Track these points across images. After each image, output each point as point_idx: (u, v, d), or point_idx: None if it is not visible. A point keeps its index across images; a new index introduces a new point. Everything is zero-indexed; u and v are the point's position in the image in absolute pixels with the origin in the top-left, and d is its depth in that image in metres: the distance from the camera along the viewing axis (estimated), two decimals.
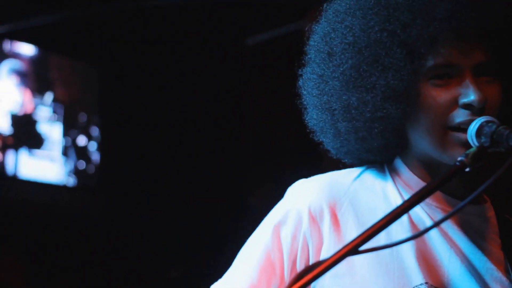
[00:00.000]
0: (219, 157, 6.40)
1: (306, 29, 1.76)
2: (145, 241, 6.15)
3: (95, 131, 6.43)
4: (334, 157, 1.78)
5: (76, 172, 6.33)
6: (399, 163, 1.71)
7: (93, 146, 6.41)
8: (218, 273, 1.73)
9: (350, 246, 1.33)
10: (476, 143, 1.50)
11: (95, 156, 6.41)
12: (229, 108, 6.45)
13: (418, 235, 1.44)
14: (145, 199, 6.25)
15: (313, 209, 1.64)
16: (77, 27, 6.16)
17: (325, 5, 1.73)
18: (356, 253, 1.32)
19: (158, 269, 6.20)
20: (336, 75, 1.64)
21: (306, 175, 1.74)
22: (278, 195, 1.75)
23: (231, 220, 5.88)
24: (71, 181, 6.30)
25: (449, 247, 1.63)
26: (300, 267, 1.63)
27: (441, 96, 1.57)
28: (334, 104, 1.65)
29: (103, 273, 6.06)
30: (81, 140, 6.37)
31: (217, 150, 6.41)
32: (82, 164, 6.36)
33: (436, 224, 1.40)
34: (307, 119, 1.75)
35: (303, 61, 1.75)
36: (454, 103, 1.56)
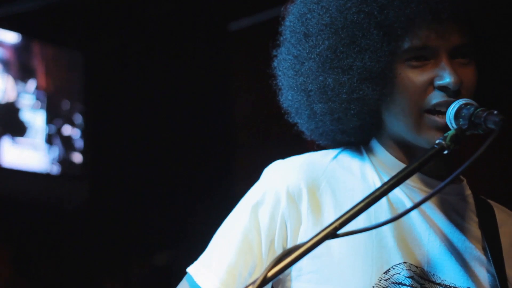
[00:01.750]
0: (205, 144, 6.39)
1: (282, 9, 1.75)
2: (129, 229, 6.15)
3: (78, 118, 6.40)
4: (309, 139, 1.77)
5: (60, 160, 6.30)
6: (375, 144, 1.72)
7: (76, 134, 6.39)
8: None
9: (329, 229, 1.33)
10: (455, 126, 1.51)
11: (79, 144, 6.38)
12: (214, 94, 6.44)
13: (397, 217, 1.43)
14: (129, 187, 6.24)
15: (291, 189, 1.64)
16: (61, 13, 6.12)
17: None
18: (334, 236, 1.32)
19: (143, 257, 6.20)
20: (312, 56, 1.63)
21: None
22: None
23: (217, 209, 5.87)
24: (54, 169, 6.28)
25: (428, 226, 1.64)
26: (278, 247, 1.63)
27: (417, 77, 1.57)
28: (310, 85, 1.65)
29: (87, 261, 6.06)
30: (65, 128, 6.34)
31: (203, 137, 6.40)
32: (65, 152, 6.34)
33: (416, 206, 1.41)
34: (282, 100, 1.75)
35: (278, 42, 1.74)
36: (430, 85, 1.57)
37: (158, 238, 6.25)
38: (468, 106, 1.49)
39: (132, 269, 6.18)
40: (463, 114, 1.49)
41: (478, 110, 1.47)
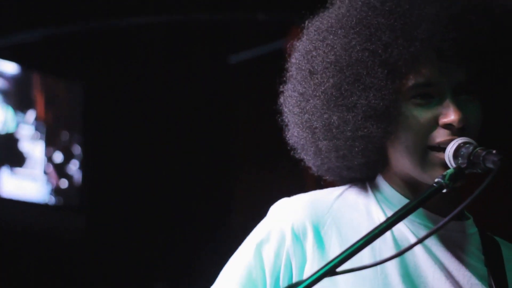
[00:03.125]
0: (204, 175, 6.40)
1: (288, 46, 1.76)
2: (127, 260, 6.13)
3: (77, 150, 6.40)
4: (316, 174, 1.78)
5: (58, 190, 6.29)
6: (380, 180, 1.72)
7: (75, 165, 6.38)
8: None
9: (328, 266, 1.34)
10: (454, 164, 1.52)
11: (77, 175, 6.38)
12: (214, 126, 6.45)
13: (400, 253, 1.44)
14: (128, 218, 6.22)
15: (296, 227, 1.64)
16: (60, 45, 6.15)
17: (306, 22, 1.74)
18: (334, 274, 1.33)
19: (142, 286, 6.17)
20: (317, 94, 1.64)
21: (290, 194, 1.74)
22: (262, 214, 1.75)
23: (214, 237, 5.88)
24: (53, 199, 6.27)
25: (433, 263, 1.63)
26: (283, 285, 1.62)
27: (422, 115, 1.58)
28: (315, 123, 1.65)
29: None
30: (64, 159, 6.33)
31: (202, 168, 6.40)
32: (64, 183, 6.33)
33: (419, 242, 1.42)
34: (288, 136, 1.76)
35: (284, 78, 1.75)
36: (434, 123, 1.57)
37: (156, 270, 6.23)
38: (467, 145, 1.50)
39: None
40: (462, 153, 1.50)
41: (477, 149, 1.48)
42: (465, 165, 1.49)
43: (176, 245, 6.19)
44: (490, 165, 1.45)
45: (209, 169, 6.40)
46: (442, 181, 1.46)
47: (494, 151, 1.46)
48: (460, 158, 1.50)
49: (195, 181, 6.37)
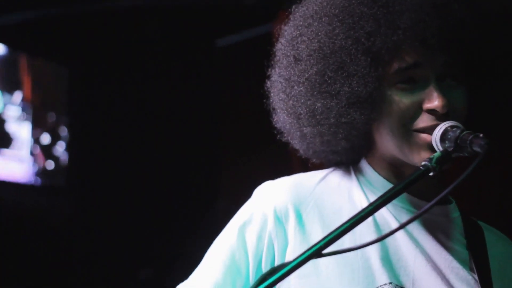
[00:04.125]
0: (190, 159, 6.39)
1: (276, 30, 1.76)
2: (113, 242, 6.13)
3: (63, 131, 6.39)
4: (303, 157, 1.79)
5: (44, 172, 6.28)
6: (364, 164, 1.73)
7: (61, 146, 6.37)
8: (188, 275, 1.73)
9: (314, 248, 1.34)
10: (440, 148, 1.52)
11: (64, 156, 6.37)
12: (200, 110, 6.44)
13: (382, 237, 1.44)
14: (113, 199, 6.22)
15: (279, 209, 1.65)
16: (48, 27, 6.12)
17: (293, 7, 1.74)
18: (320, 256, 1.33)
19: (127, 270, 6.17)
20: (302, 81, 1.65)
21: (276, 178, 1.75)
22: (248, 199, 1.76)
23: (200, 222, 5.88)
24: (39, 181, 6.25)
25: (414, 247, 1.65)
26: (265, 267, 1.64)
27: (406, 100, 1.58)
28: (300, 109, 1.66)
29: (70, 274, 6.03)
30: (50, 140, 6.32)
31: (188, 152, 6.39)
32: (50, 164, 6.32)
33: (402, 227, 1.41)
34: (275, 120, 1.77)
35: (272, 62, 1.75)
36: (418, 108, 1.58)
37: (143, 254, 6.23)
38: (454, 129, 1.51)
39: (115, 283, 6.15)
40: (449, 136, 1.50)
41: (464, 133, 1.49)
42: (452, 148, 1.49)
43: (162, 231, 6.19)
44: (477, 149, 1.45)
45: (195, 154, 6.39)
46: (429, 164, 1.46)
47: (481, 135, 1.46)
48: (447, 142, 1.50)
49: (181, 166, 6.36)
